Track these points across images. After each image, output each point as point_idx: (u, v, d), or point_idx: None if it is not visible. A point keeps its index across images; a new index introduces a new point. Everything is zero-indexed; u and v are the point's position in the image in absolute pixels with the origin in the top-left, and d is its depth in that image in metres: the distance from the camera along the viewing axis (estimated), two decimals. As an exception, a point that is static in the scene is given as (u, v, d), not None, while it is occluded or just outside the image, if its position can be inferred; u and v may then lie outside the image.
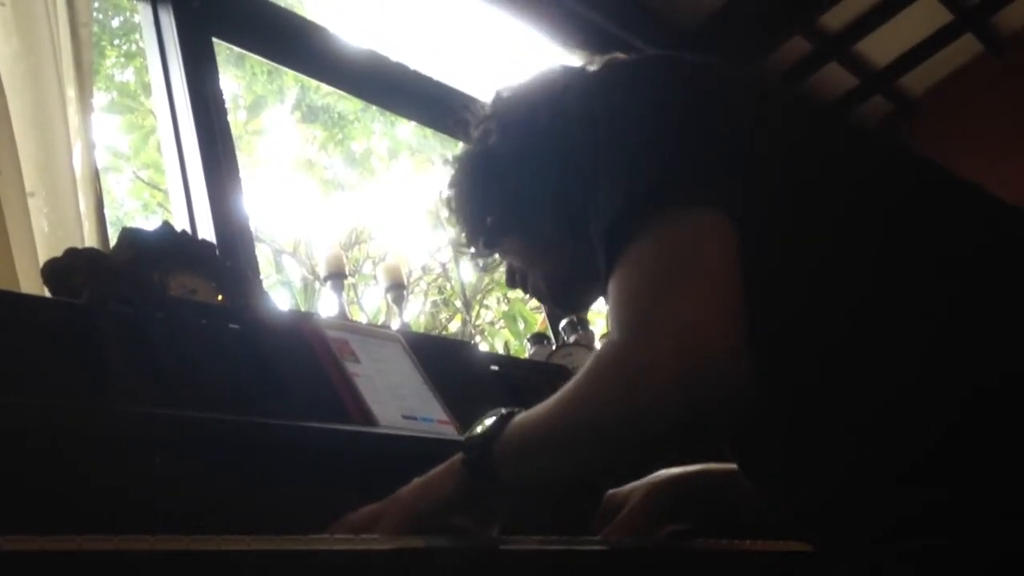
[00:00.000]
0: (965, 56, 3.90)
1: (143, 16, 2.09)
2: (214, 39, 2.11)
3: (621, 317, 0.78)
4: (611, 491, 1.13)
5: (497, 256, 1.15)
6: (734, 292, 0.76)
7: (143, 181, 7.13)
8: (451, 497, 0.88)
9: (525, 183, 1.00)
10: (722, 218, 0.78)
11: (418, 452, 1.09)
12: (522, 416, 0.86)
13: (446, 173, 1.13)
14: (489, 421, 0.88)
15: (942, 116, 3.91)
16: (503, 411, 0.88)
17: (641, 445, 0.81)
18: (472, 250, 1.14)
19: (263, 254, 7.06)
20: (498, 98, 1.05)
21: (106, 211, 1.67)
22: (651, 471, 1.12)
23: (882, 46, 3.76)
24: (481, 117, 1.06)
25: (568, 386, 0.81)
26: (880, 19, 3.59)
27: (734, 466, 0.97)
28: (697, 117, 0.85)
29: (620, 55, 1.04)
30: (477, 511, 0.90)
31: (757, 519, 0.99)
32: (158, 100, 2.01)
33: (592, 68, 1.01)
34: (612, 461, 0.90)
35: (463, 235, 1.12)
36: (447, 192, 1.12)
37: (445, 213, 1.14)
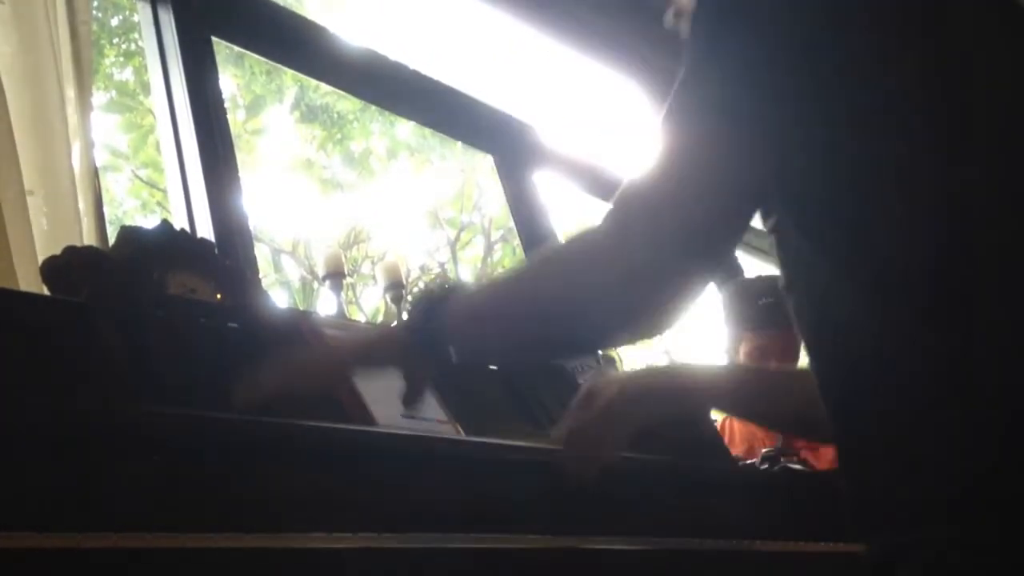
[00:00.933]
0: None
1: (142, 15, 2.09)
2: (214, 38, 2.11)
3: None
4: (592, 381, 1.17)
5: None
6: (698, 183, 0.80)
7: (142, 180, 7.14)
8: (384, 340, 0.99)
9: None
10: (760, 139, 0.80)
11: (417, 452, 1.09)
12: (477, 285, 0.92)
13: None
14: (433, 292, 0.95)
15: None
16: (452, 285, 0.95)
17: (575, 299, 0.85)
18: None
19: (261, 254, 7.07)
20: None
21: (105, 210, 1.67)
22: None
23: None
24: None
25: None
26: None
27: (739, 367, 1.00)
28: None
29: None
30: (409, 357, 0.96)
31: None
32: (157, 99, 2.01)
33: None
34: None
35: None
36: None
37: None
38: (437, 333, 0.91)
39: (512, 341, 0.94)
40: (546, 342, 0.93)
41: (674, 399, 1.15)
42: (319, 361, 1.06)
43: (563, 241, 0.90)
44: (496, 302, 0.93)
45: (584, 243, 0.89)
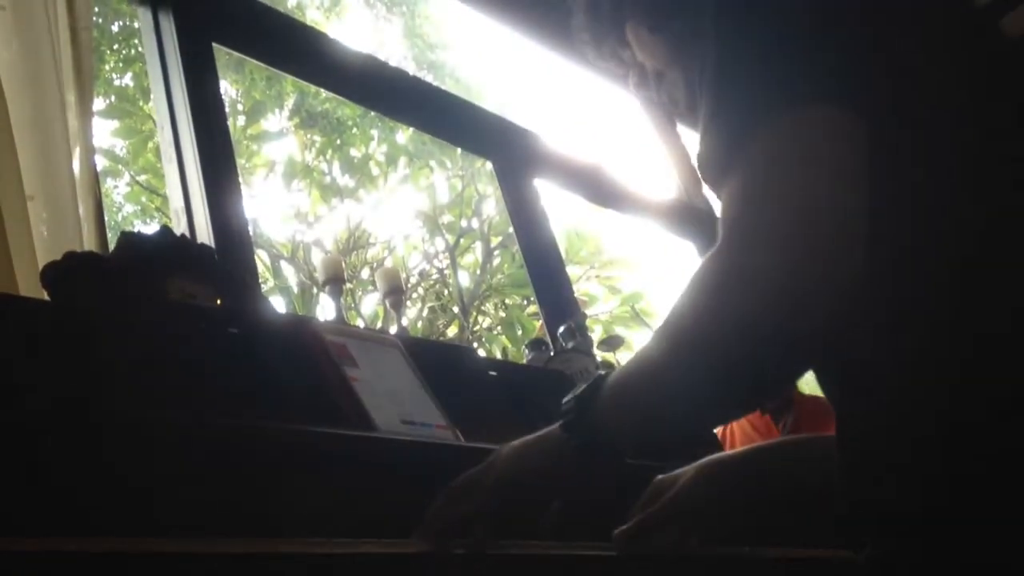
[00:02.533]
0: None
1: (143, 21, 2.09)
2: (214, 44, 2.11)
3: (725, 221, 0.73)
4: (659, 476, 1.04)
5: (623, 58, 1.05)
6: (846, 187, 0.70)
7: (141, 185, 7.15)
8: (547, 465, 0.82)
9: None
10: (847, 115, 0.72)
11: (417, 457, 1.09)
12: (621, 367, 0.80)
13: None
14: (583, 387, 0.82)
15: None
16: (600, 373, 0.82)
17: (751, 364, 0.70)
18: (596, 29, 1.04)
19: (261, 259, 7.07)
20: None
21: (104, 215, 1.67)
22: None
23: None
24: None
25: (669, 310, 0.75)
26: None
27: (801, 438, 0.93)
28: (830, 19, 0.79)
29: None
30: (575, 478, 0.83)
31: (817, 500, 0.92)
32: (158, 105, 2.01)
33: None
34: (722, 393, 0.74)
35: (591, 19, 1.04)
36: None
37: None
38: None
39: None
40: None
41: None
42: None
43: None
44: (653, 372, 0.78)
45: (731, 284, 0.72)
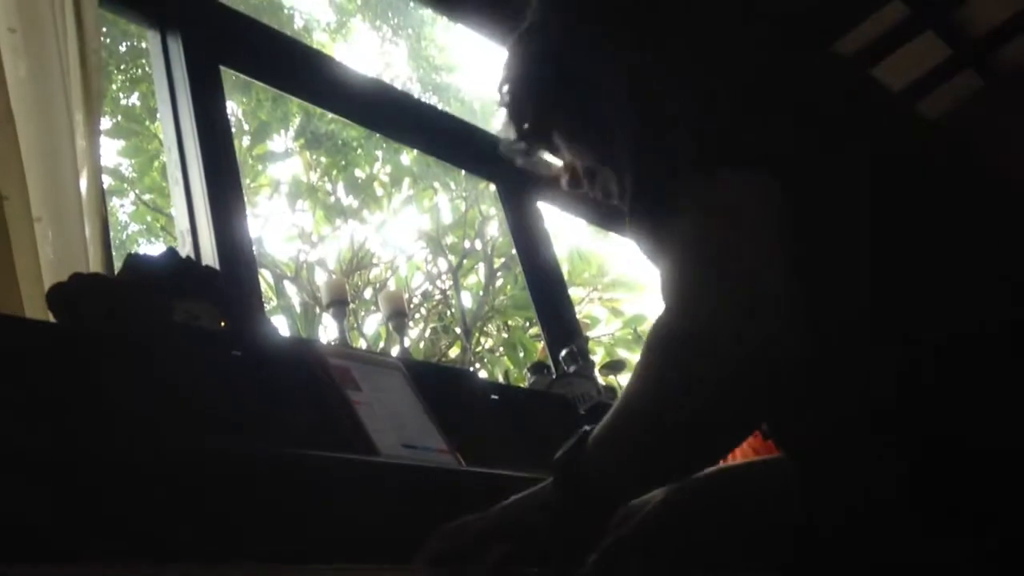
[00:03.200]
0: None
1: (151, 43, 2.12)
2: (221, 67, 2.13)
3: (667, 293, 0.77)
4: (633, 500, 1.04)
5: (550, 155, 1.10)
6: (778, 250, 0.74)
7: (146, 204, 7.18)
8: (539, 522, 0.84)
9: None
10: (767, 180, 0.78)
11: (418, 481, 1.10)
12: (599, 425, 0.82)
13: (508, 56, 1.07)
14: (569, 444, 0.84)
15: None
16: (584, 429, 0.84)
17: (711, 424, 0.75)
18: (525, 142, 1.08)
19: (264, 279, 7.09)
20: None
21: (110, 234, 1.68)
22: None
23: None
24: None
25: (630, 379, 0.79)
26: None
27: (772, 459, 0.95)
28: (751, 81, 0.85)
29: None
30: (567, 534, 0.85)
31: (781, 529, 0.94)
32: (165, 127, 2.03)
33: None
34: (697, 450, 0.79)
35: (520, 122, 1.07)
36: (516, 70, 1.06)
37: (503, 99, 1.07)
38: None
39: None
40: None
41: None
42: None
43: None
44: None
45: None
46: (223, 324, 1.30)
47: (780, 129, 0.82)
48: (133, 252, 1.26)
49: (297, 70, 2.42)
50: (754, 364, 0.71)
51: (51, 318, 1.16)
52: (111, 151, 6.94)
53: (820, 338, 0.75)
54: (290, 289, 7.31)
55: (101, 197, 1.65)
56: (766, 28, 0.95)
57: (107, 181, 6.69)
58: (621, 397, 0.80)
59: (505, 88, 1.06)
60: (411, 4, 7.73)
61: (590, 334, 6.98)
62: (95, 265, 1.55)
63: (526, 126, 1.06)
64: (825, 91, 0.90)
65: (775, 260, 0.73)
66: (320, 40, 8.05)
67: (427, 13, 7.94)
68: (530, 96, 1.04)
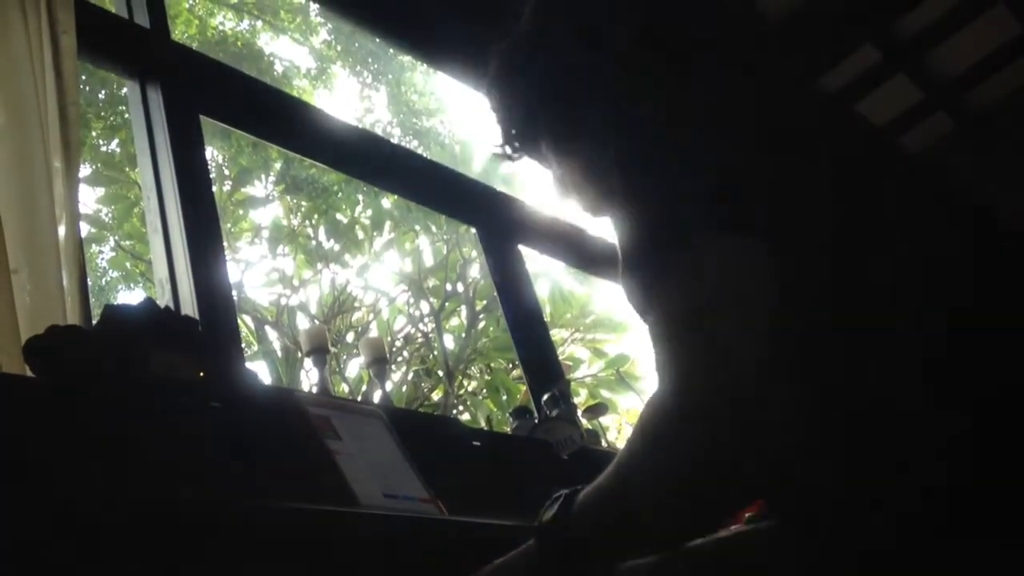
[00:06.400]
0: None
1: (131, 93, 2.12)
2: (201, 116, 2.14)
3: (659, 367, 0.79)
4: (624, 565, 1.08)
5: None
6: (757, 332, 0.75)
7: (125, 251, 7.15)
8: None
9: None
10: (756, 244, 0.78)
11: (400, 531, 1.09)
12: (586, 491, 0.83)
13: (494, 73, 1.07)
14: (555, 506, 0.85)
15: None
16: (564, 492, 0.85)
17: (700, 497, 0.77)
18: (518, 151, 1.09)
19: (245, 324, 7.05)
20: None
21: (88, 281, 1.67)
22: None
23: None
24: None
25: (622, 450, 0.80)
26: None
27: (765, 528, 0.95)
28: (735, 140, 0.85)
29: None
30: None
31: None
32: (144, 176, 2.03)
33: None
34: (688, 521, 0.81)
35: (507, 138, 1.08)
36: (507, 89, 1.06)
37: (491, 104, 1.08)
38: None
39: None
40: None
41: None
42: None
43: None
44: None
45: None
46: (201, 375, 1.29)
47: (767, 192, 0.82)
48: (111, 303, 1.26)
49: (277, 119, 2.44)
50: (738, 446, 0.74)
51: (28, 371, 1.15)
52: (90, 198, 6.93)
53: (821, 423, 0.77)
54: (271, 334, 7.28)
55: (79, 245, 1.65)
56: (768, 79, 0.95)
57: (86, 228, 6.67)
58: (612, 464, 0.81)
59: (495, 95, 1.07)
60: (391, 51, 7.81)
61: (574, 375, 6.97)
62: (73, 316, 1.54)
63: (517, 130, 1.07)
64: (828, 143, 0.89)
65: (763, 339, 0.75)
66: (300, 86, 8.11)
67: (407, 59, 8.04)
68: (517, 120, 1.05)
